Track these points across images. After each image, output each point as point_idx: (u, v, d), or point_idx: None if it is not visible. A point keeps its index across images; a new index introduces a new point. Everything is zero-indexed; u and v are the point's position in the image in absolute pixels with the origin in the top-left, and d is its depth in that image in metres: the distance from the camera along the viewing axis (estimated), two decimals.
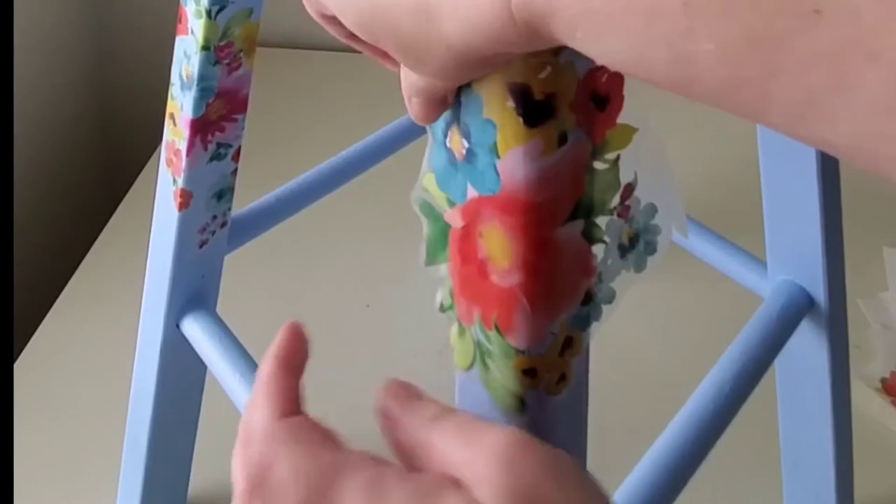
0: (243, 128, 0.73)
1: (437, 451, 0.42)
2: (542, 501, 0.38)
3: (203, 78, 0.67)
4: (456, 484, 0.40)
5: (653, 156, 0.46)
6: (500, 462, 0.39)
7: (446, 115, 0.45)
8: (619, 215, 0.46)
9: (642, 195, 0.47)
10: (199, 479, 0.99)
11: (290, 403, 0.49)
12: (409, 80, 0.42)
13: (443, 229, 0.48)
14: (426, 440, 0.43)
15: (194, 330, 0.80)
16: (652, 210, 0.48)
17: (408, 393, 0.46)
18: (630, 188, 0.46)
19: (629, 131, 0.45)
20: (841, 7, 0.25)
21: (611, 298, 0.47)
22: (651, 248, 0.48)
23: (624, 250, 0.47)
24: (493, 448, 0.39)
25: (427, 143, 0.48)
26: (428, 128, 0.47)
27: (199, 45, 0.65)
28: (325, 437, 0.46)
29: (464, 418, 0.42)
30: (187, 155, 0.70)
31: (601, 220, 0.45)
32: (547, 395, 0.46)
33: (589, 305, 0.46)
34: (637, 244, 0.47)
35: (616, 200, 0.46)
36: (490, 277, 0.44)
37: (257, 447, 0.46)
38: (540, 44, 0.35)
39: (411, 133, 0.95)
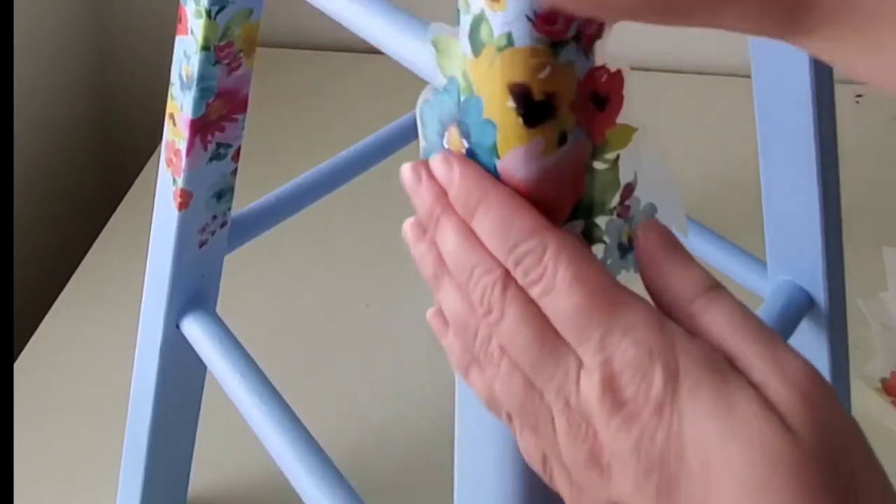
0: (243, 128, 0.73)
1: (713, 333, 0.41)
2: (844, 455, 0.40)
3: (203, 78, 0.67)
4: (737, 371, 0.40)
5: (653, 156, 0.46)
6: (805, 398, 0.39)
7: (440, 114, 0.45)
8: (618, 215, 0.46)
9: (642, 195, 0.47)
10: (199, 479, 0.99)
11: None
12: None
13: None
14: (700, 315, 0.42)
15: (194, 330, 0.80)
16: (652, 210, 0.48)
17: (673, 244, 0.45)
18: (630, 188, 0.46)
19: (629, 131, 0.45)
20: None
21: None
22: None
23: (624, 250, 0.47)
24: (797, 379, 0.39)
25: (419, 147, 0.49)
26: (420, 128, 0.47)
27: (199, 45, 0.65)
28: None
29: (743, 312, 0.42)
30: (187, 155, 0.70)
31: (601, 220, 0.45)
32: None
33: None
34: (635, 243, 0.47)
35: (616, 200, 0.46)
36: None
37: None
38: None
39: (411, 133, 0.94)
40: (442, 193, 0.46)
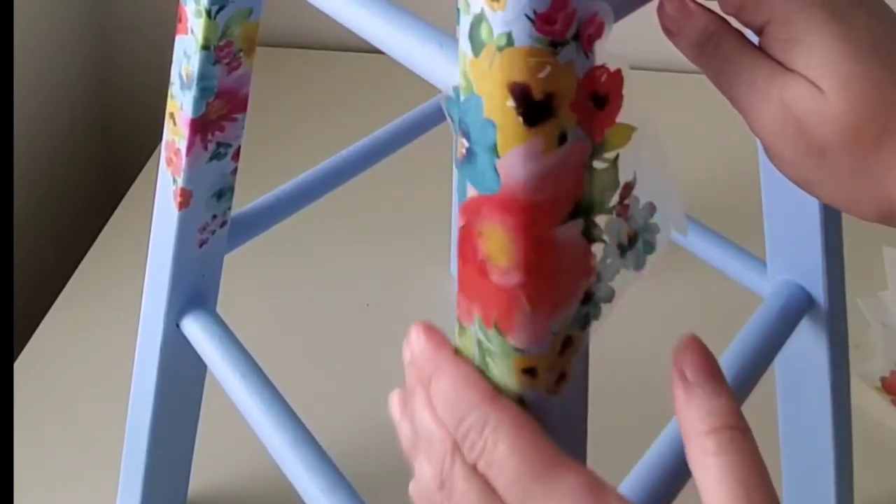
0: (243, 127, 0.73)
1: (703, 484, 0.43)
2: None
3: (203, 77, 0.67)
4: None
5: (652, 155, 0.46)
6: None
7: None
8: (618, 214, 0.46)
9: (641, 194, 0.47)
10: (199, 478, 0.99)
11: None
12: None
13: None
14: (702, 457, 0.44)
15: (194, 329, 0.80)
16: (651, 209, 0.48)
17: (706, 368, 0.47)
18: (629, 187, 0.46)
19: (628, 130, 0.45)
20: None
21: (610, 297, 0.47)
22: (650, 247, 0.48)
23: (623, 249, 0.47)
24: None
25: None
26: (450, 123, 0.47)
27: (198, 44, 0.66)
28: None
29: (737, 476, 0.43)
30: (187, 154, 0.70)
31: (600, 220, 0.45)
32: (547, 394, 0.46)
33: (588, 304, 0.46)
34: (636, 243, 0.47)
35: (615, 199, 0.46)
36: (490, 277, 0.44)
37: None
38: None
39: (411, 133, 0.95)
40: (420, 369, 0.49)
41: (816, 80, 0.47)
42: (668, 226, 0.50)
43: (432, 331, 0.49)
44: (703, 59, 0.51)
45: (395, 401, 0.52)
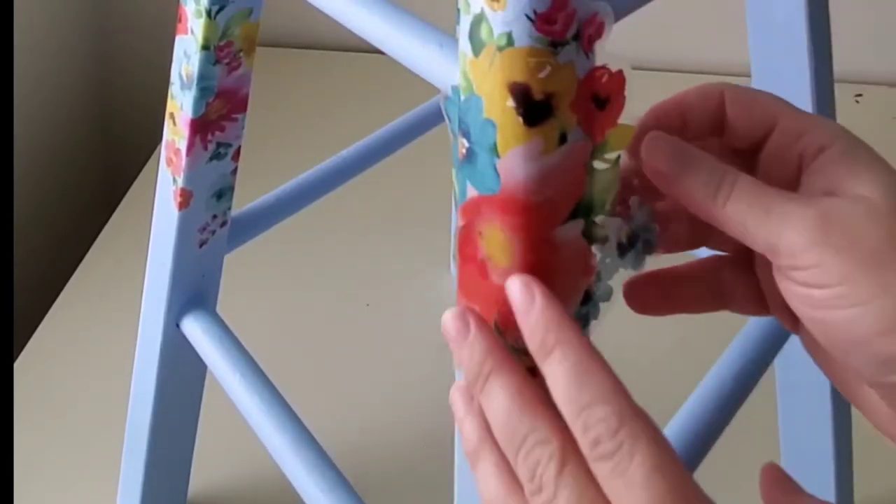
0: (243, 127, 0.73)
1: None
2: None
3: (203, 77, 0.67)
4: None
5: None
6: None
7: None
8: (618, 214, 0.46)
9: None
10: (199, 479, 0.99)
11: None
12: None
13: None
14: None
15: (194, 329, 0.80)
16: (650, 209, 0.48)
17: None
18: None
19: (628, 130, 0.45)
20: None
21: (608, 296, 0.47)
22: (649, 247, 0.48)
23: (623, 249, 0.47)
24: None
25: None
26: (448, 122, 0.47)
27: (199, 44, 0.65)
28: None
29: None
30: (187, 154, 0.70)
31: (600, 220, 0.45)
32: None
33: (588, 305, 0.46)
34: (636, 243, 0.47)
35: (614, 199, 0.46)
36: (490, 277, 0.44)
37: None
38: None
39: (411, 133, 0.95)
40: (494, 348, 0.43)
41: (861, 191, 0.42)
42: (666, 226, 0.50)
43: (549, 293, 0.43)
44: (716, 207, 0.43)
45: (457, 396, 0.45)
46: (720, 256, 0.50)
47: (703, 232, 0.49)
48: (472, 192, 0.44)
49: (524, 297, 0.42)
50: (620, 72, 0.43)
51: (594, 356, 0.41)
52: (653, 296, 0.50)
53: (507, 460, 0.42)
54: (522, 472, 0.41)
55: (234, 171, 0.75)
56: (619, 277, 0.47)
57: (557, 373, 0.40)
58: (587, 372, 0.40)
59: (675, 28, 1.60)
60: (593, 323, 0.47)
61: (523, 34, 0.40)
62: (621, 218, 0.46)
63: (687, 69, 1.61)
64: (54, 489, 1.02)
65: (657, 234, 0.48)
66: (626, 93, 0.43)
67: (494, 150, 0.42)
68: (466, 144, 0.43)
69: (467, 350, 0.43)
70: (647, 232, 0.48)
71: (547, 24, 0.40)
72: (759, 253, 0.43)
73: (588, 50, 0.41)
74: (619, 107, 0.43)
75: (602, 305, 0.47)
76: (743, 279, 0.49)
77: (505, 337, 0.44)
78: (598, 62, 0.42)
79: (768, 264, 0.44)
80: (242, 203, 0.81)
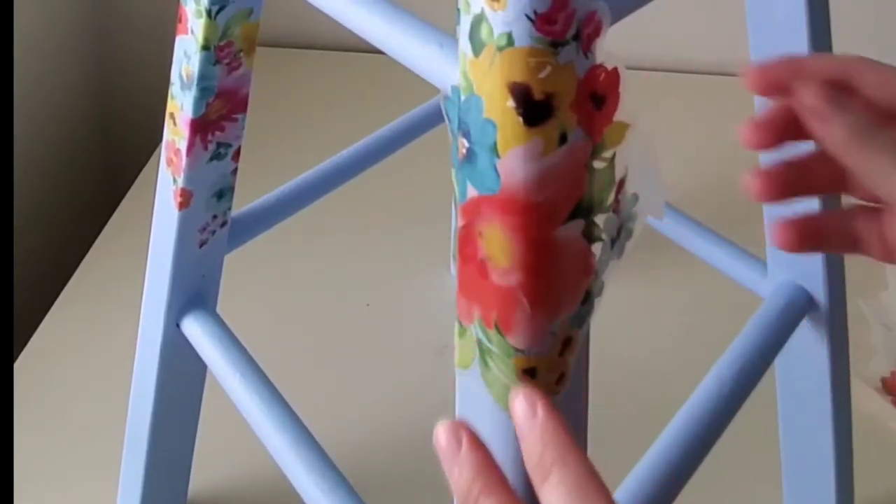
0: (243, 127, 0.73)
1: None
2: None
3: (203, 77, 0.67)
4: None
5: (640, 148, 0.46)
6: None
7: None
8: (613, 211, 0.46)
9: (630, 186, 0.47)
10: (199, 479, 0.99)
11: None
12: None
13: None
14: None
15: (194, 330, 0.80)
16: (634, 199, 0.48)
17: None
18: (622, 183, 0.46)
19: (623, 128, 0.45)
20: None
21: (601, 290, 0.47)
22: (629, 235, 0.48)
23: (612, 242, 0.47)
24: None
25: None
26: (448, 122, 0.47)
27: (199, 44, 0.66)
28: None
29: None
30: (187, 154, 0.70)
31: (599, 219, 0.45)
32: (547, 394, 0.46)
33: (588, 304, 0.46)
34: (621, 233, 0.47)
35: (612, 197, 0.46)
36: (490, 277, 0.44)
37: None
38: None
39: (411, 133, 0.95)
40: (484, 468, 0.43)
41: None
42: (644, 212, 0.49)
43: (552, 405, 0.43)
44: (851, 149, 0.47)
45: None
46: (857, 205, 0.53)
47: (842, 178, 0.51)
48: (472, 192, 0.44)
49: (526, 411, 0.43)
50: (616, 69, 0.43)
51: (593, 479, 0.41)
52: (800, 237, 0.52)
53: None
54: None
55: (235, 172, 0.75)
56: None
57: (558, 492, 0.41)
58: (585, 498, 0.40)
59: (670, 27, 1.60)
60: (588, 320, 0.47)
61: (523, 34, 0.40)
62: (615, 214, 0.46)
63: (687, 69, 1.62)
64: (54, 489, 1.02)
65: (636, 223, 0.48)
66: (621, 90, 0.43)
67: (495, 150, 0.42)
68: (466, 144, 0.43)
69: (458, 468, 0.44)
70: (630, 221, 0.48)
71: (547, 24, 0.40)
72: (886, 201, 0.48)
73: (587, 50, 0.42)
74: (615, 105, 0.44)
75: (596, 301, 0.47)
76: (874, 226, 0.51)
77: (506, 337, 0.44)
78: (596, 61, 0.42)
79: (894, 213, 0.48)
80: (242, 203, 0.82)
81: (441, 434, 0.45)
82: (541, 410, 0.42)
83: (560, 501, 0.40)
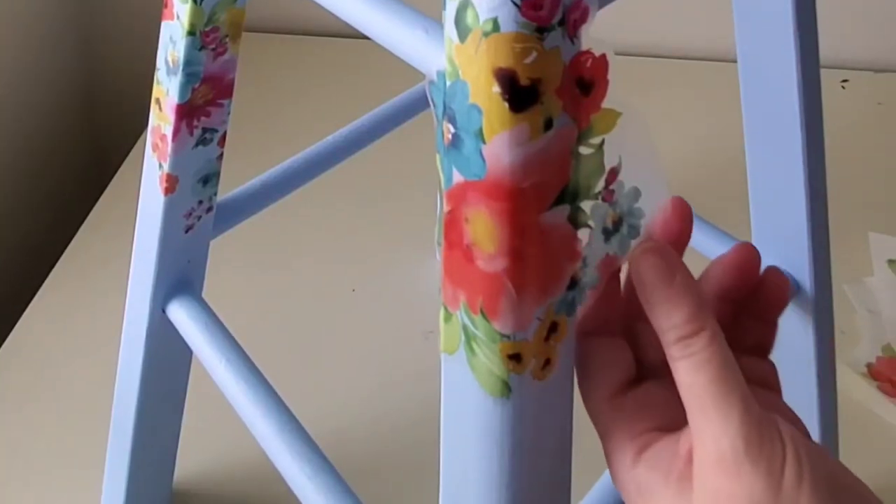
0: (229, 113, 0.72)
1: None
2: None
3: (189, 63, 0.67)
4: None
5: (637, 139, 0.46)
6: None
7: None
8: (603, 199, 0.46)
9: (626, 179, 0.47)
10: (186, 463, 0.99)
11: None
12: None
13: None
14: (674, 361, 0.46)
15: (180, 315, 0.79)
16: (636, 194, 0.48)
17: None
18: (614, 172, 0.46)
19: (613, 116, 0.45)
20: None
21: (595, 283, 0.48)
22: (634, 232, 0.48)
23: (608, 234, 0.47)
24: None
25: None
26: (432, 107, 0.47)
27: (184, 30, 0.65)
28: None
29: (709, 375, 0.45)
30: (173, 140, 0.70)
31: (586, 205, 0.45)
32: (532, 380, 0.46)
33: (574, 290, 0.46)
34: (621, 227, 0.47)
35: (601, 185, 0.46)
36: (475, 262, 0.44)
37: None
38: None
39: (397, 118, 0.94)
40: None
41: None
42: (652, 210, 0.50)
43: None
44: (672, 360, 0.47)
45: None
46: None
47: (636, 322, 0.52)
48: (457, 177, 0.44)
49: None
50: (604, 56, 0.43)
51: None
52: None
53: None
54: None
55: (220, 157, 0.75)
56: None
57: (699, 377, 0.44)
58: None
59: (659, 12, 1.60)
60: (580, 308, 0.47)
61: (509, 20, 0.40)
62: (606, 203, 0.46)
63: (671, 55, 1.62)
64: (40, 474, 1.02)
65: (643, 219, 0.49)
66: (609, 77, 0.43)
67: (480, 136, 0.42)
68: (452, 130, 0.43)
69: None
70: (632, 216, 0.48)
71: (533, 9, 0.40)
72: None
73: (573, 35, 0.41)
74: (604, 91, 0.44)
75: (589, 293, 0.47)
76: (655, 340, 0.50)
77: (491, 322, 0.45)
78: (583, 47, 0.42)
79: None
80: (228, 188, 0.81)
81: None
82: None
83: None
